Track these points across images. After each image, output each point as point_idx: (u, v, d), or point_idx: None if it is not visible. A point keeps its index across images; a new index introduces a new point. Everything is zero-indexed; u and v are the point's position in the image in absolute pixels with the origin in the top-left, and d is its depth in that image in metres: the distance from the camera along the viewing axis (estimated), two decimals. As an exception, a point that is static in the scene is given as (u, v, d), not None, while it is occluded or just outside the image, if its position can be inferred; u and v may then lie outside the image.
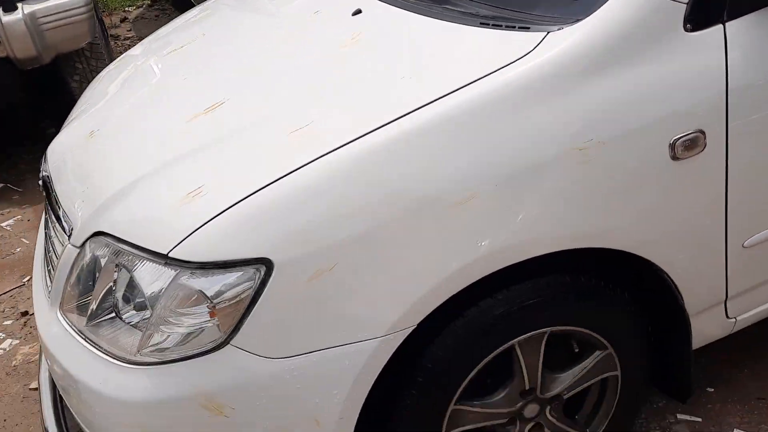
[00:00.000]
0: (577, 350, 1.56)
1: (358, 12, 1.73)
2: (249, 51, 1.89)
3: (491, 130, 1.30)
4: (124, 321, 1.38)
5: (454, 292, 1.32)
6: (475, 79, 1.32)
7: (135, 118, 1.81)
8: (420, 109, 1.30)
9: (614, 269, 1.51)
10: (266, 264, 1.26)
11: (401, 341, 1.32)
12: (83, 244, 1.49)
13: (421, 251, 1.29)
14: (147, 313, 1.34)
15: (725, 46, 1.37)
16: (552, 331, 1.47)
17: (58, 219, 1.63)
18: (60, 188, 1.71)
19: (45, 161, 1.87)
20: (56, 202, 1.67)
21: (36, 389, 1.97)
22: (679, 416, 1.87)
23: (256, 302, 1.27)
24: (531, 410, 1.56)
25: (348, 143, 1.29)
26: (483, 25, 1.48)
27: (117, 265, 1.41)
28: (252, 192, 1.29)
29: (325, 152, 1.29)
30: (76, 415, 1.54)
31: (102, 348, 1.40)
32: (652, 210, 1.41)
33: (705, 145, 1.38)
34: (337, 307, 1.29)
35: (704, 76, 1.36)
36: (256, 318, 1.28)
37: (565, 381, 1.56)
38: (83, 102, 2.14)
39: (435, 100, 1.30)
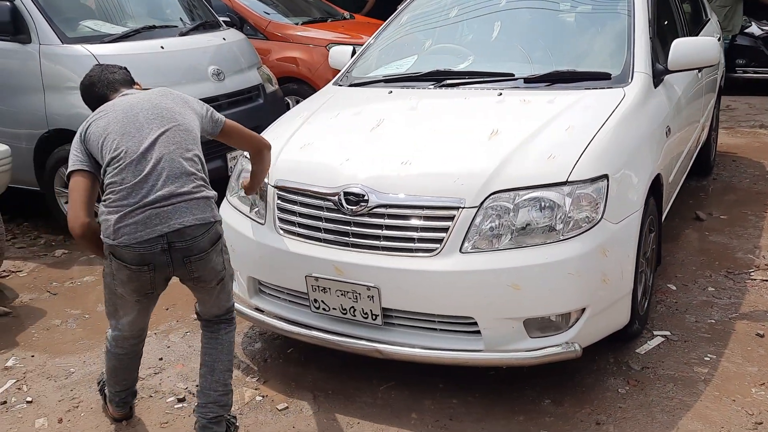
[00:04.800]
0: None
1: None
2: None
3: (635, 120, 3.08)
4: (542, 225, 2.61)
5: (648, 187, 2.98)
6: (618, 104, 3.09)
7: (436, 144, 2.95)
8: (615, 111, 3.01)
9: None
10: (606, 177, 2.72)
11: (642, 213, 2.89)
12: (480, 204, 2.63)
13: (644, 163, 2.95)
14: (560, 213, 2.61)
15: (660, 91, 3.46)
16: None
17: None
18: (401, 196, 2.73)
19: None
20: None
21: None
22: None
23: (608, 196, 2.71)
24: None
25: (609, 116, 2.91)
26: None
27: (515, 205, 2.62)
28: (588, 143, 2.76)
29: (602, 122, 2.87)
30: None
31: (529, 244, 2.59)
32: (662, 157, 3.33)
33: (671, 133, 3.40)
34: (627, 194, 2.83)
35: (667, 100, 3.41)
36: (609, 202, 2.71)
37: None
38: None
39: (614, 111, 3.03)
